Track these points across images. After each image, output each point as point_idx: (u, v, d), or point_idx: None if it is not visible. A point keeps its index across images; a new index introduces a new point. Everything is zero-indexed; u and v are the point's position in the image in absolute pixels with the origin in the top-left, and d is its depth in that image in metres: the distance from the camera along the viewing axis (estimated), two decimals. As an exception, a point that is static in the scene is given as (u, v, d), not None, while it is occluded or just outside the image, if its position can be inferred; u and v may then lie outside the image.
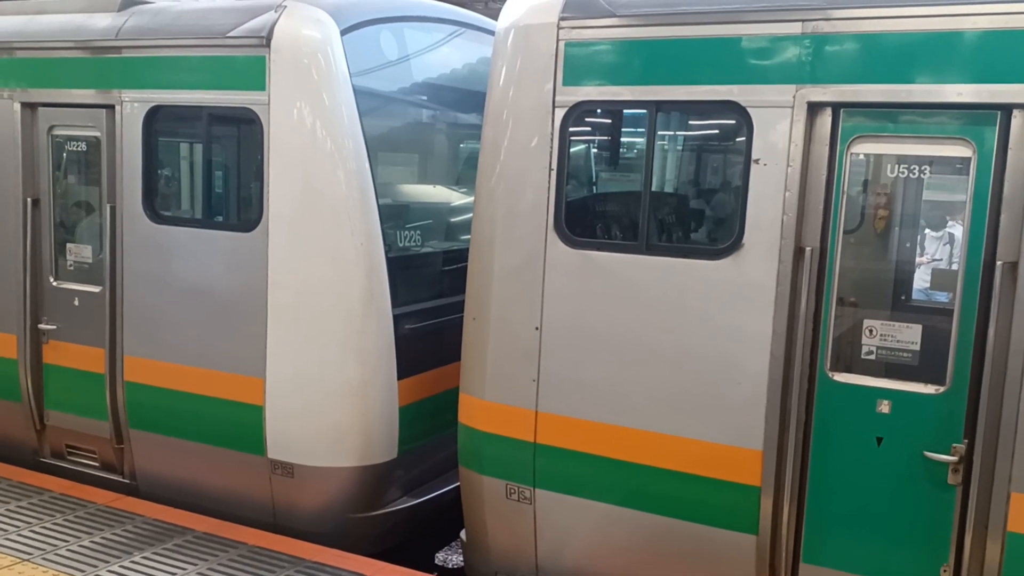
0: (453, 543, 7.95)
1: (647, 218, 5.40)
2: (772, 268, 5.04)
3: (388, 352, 6.40)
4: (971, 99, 4.61)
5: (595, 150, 6.45)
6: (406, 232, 6.99)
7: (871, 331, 5.04)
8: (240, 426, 6.67)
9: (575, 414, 5.63)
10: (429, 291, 7.03)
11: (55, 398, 7.71)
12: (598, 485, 5.63)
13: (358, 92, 6.34)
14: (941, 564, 4.90)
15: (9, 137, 7.55)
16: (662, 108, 5.44)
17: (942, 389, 4.81)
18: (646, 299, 5.40)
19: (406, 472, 6.75)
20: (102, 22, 7.17)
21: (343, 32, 6.35)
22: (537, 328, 5.68)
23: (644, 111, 5.43)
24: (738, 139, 5.26)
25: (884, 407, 4.93)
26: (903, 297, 5.97)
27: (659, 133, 5.56)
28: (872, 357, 5.03)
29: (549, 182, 5.58)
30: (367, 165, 6.30)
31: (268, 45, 6.32)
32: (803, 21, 4.92)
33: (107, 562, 6.11)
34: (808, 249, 4.96)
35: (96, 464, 7.65)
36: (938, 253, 10.68)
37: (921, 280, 6.55)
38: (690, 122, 6.11)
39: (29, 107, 7.53)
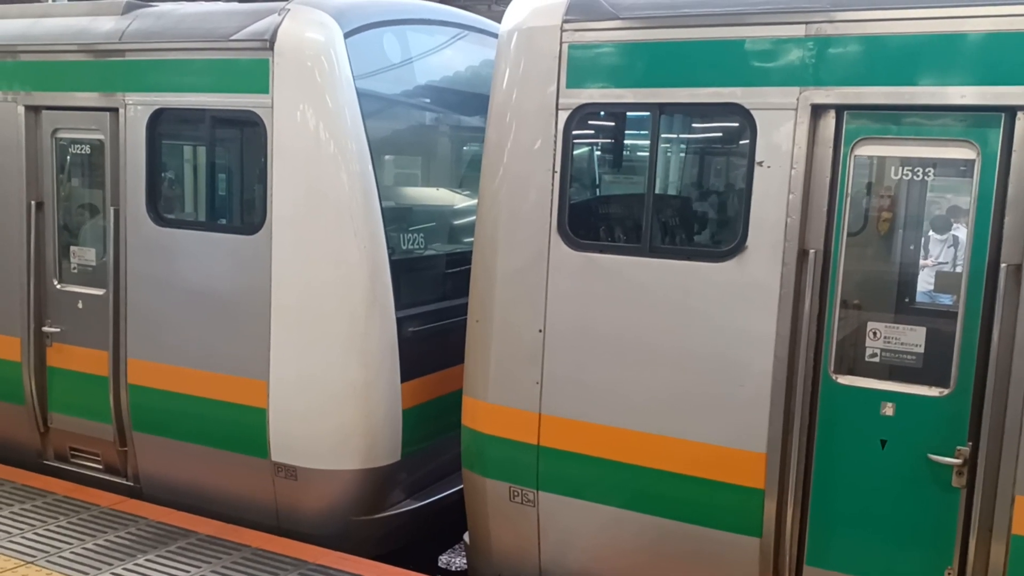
0: (456, 546, 7.95)
1: (650, 220, 5.40)
2: (776, 270, 5.04)
3: (391, 355, 6.40)
4: (975, 101, 4.61)
5: (598, 152, 6.45)
6: (409, 235, 7.00)
7: (875, 333, 5.04)
8: (243, 429, 6.67)
9: (578, 416, 5.63)
10: (432, 294, 7.03)
11: (59, 401, 7.71)
12: (601, 487, 5.63)
13: (361, 95, 6.34)
14: (945, 567, 4.89)
15: (13, 140, 7.56)
16: (665, 110, 5.44)
17: (946, 391, 4.80)
18: (649, 301, 5.40)
19: (409, 475, 6.75)
20: (106, 25, 7.18)
21: (346, 35, 6.36)
22: (540, 330, 5.68)
23: (647, 113, 5.44)
24: (741, 141, 5.26)
25: (888, 409, 4.93)
26: (907, 299, 5.95)
27: (662, 135, 5.55)
28: (876, 359, 5.03)
29: (552, 184, 5.58)
30: (370, 168, 6.31)
31: (271, 48, 6.32)
32: (806, 23, 4.92)
33: (111, 564, 6.11)
34: (812, 251, 4.96)
35: (100, 467, 7.65)
36: (942, 255, 10.67)
37: (925, 282, 6.53)
38: (693, 124, 6.11)
39: (33, 110, 7.54)
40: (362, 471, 6.45)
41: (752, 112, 5.05)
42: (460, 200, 7.92)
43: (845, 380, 5.03)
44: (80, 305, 7.46)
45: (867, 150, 4.98)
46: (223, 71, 6.60)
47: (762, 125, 5.03)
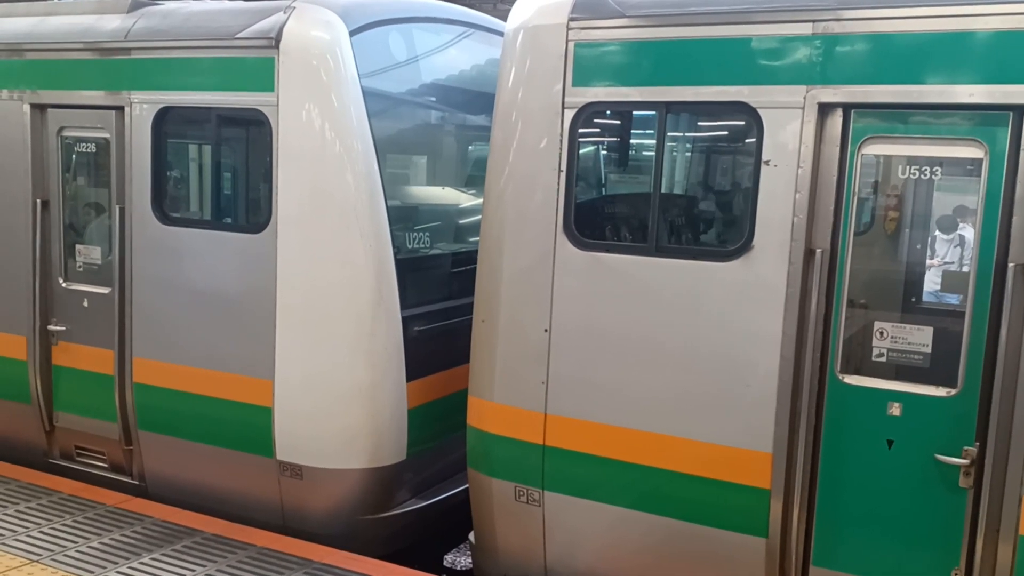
0: (462, 545, 7.94)
1: (657, 220, 5.39)
2: (782, 270, 5.02)
3: (397, 354, 6.40)
4: (983, 100, 4.59)
5: (604, 151, 6.44)
6: (415, 234, 6.99)
7: (882, 333, 5.02)
8: (249, 428, 6.67)
9: (584, 416, 5.62)
10: (438, 293, 7.02)
11: (64, 399, 7.72)
12: (607, 487, 5.62)
13: (367, 93, 6.34)
14: (952, 567, 4.87)
15: (19, 138, 7.57)
16: (671, 109, 5.42)
17: (953, 391, 4.78)
18: (655, 301, 5.38)
19: (415, 474, 6.75)
20: (111, 23, 7.18)
21: (352, 33, 6.35)
22: (546, 330, 5.67)
23: (653, 112, 5.42)
24: (748, 140, 5.24)
25: (895, 409, 4.91)
26: (914, 299, 5.94)
27: (669, 134, 5.54)
28: (883, 359, 5.01)
29: (558, 183, 5.57)
30: (376, 167, 6.30)
31: (277, 47, 6.32)
32: (814, 22, 4.90)
33: (116, 563, 6.11)
34: (818, 251, 4.94)
35: (105, 465, 7.66)
36: (949, 255, 10.66)
37: (932, 282, 6.52)
38: (700, 123, 6.10)
39: (39, 108, 7.55)
40: (368, 470, 6.45)
41: (759, 111, 5.03)
42: (466, 199, 7.91)
43: (852, 380, 5.01)
44: (86, 304, 7.47)
45: (874, 149, 4.96)
46: (228, 70, 6.59)
47: (769, 124, 5.01)
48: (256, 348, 6.56)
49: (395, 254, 6.39)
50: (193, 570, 6.04)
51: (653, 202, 5.40)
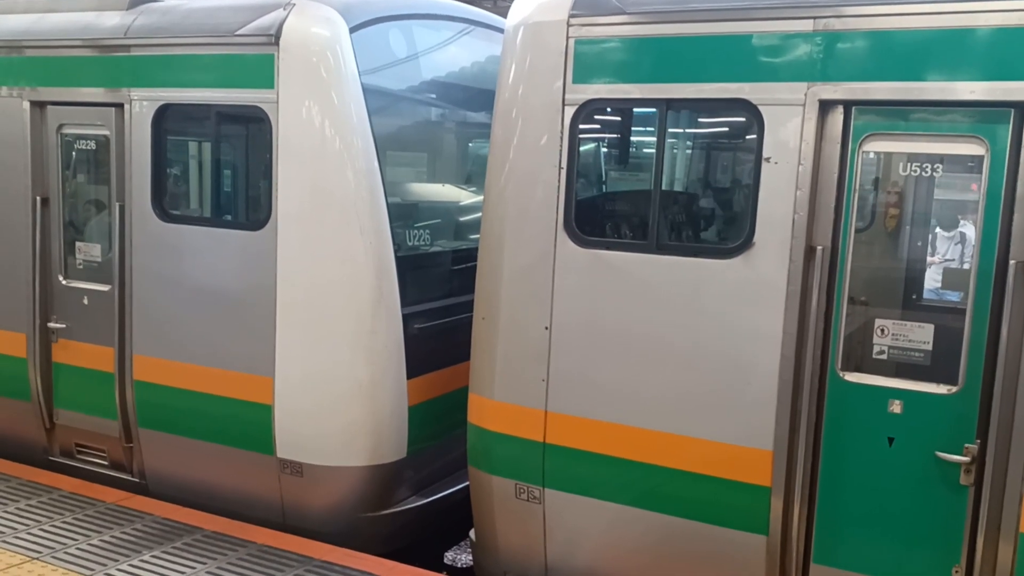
0: (462, 543, 7.94)
1: (657, 217, 5.38)
2: (783, 267, 5.01)
3: (397, 351, 6.39)
4: (984, 97, 4.58)
5: (605, 148, 6.43)
6: (415, 231, 6.98)
7: (883, 330, 5.01)
8: (249, 425, 6.67)
9: (585, 414, 5.61)
10: (438, 290, 7.02)
11: (64, 397, 7.72)
12: (608, 485, 5.61)
13: (367, 90, 6.33)
14: (953, 565, 4.87)
15: (18, 136, 7.56)
16: (672, 106, 5.41)
17: (954, 389, 4.78)
18: (656, 299, 5.38)
19: (415, 472, 6.74)
20: (111, 20, 7.17)
21: (352, 30, 6.34)
22: (547, 328, 5.67)
23: (654, 109, 5.41)
24: (749, 137, 5.23)
25: (896, 407, 4.90)
26: (915, 296, 5.93)
27: (669, 131, 5.53)
28: (884, 357, 5.00)
29: (559, 181, 5.56)
30: (376, 164, 6.29)
31: (277, 43, 6.31)
32: (814, 18, 4.90)
33: (116, 561, 6.11)
34: (819, 248, 4.94)
35: (105, 463, 7.66)
36: (950, 252, 10.65)
37: (933, 279, 6.51)
38: (700, 120, 6.09)
39: (38, 105, 7.54)
40: (368, 468, 6.44)
41: (759, 108, 5.03)
42: (466, 196, 7.90)
43: (852, 377, 5.01)
44: (86, 301, 7.46)
45: (875, 146, 4.96)
46: (228, 67, 6.58)
47: (769, 121, 5.00)
48: (256, 345, 6.56)
49: (395, 251, 6.38)
50: (193, 567, 6.04)
51: (654, 199, 5.40)
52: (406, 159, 7.71)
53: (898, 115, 4.84)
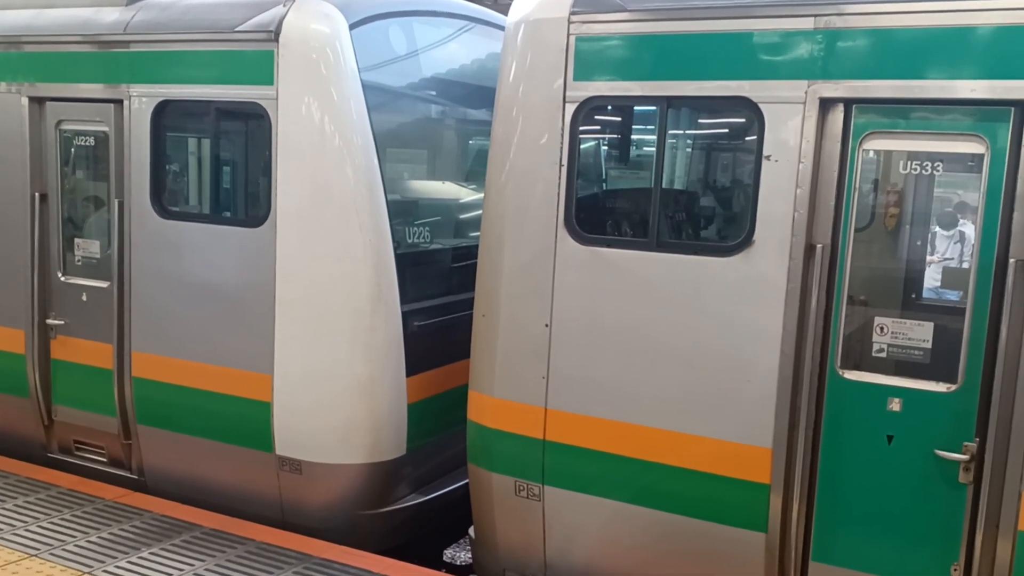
0: (462, 540, 7.95)
1: (657, 214, 5.38)
2: (783, 265, 5.02)
3: (397, 349, 6.39)
4: (984, 95, 4.58)
5: (605, 146, 6.43)
6: (415, 228, 6.98)
7: (882, 329, 5.02)
8: (248, 422, 6.67)
9: (584, 411, 5.61)
10: (438, 288, 7.01)
11: (63, 394, 7.71)
12: (607, 482, 5.62)
13: (367, 87, 6.33)
14: (951, 563, 4.88)
15: (17, 132, 7.55)
16: (673, 104, 5.41)
17: (953, 387, 4.78)
18: (656, 296, 5.38)
19: (415, 469, 6.74)
20: (110, 16, 7.16)
21: (352, 26, 6.33)
22: (547, 325, 5.67)
23: (655, 107, 5.41)
24: (749, 135, 5.23)
25: (895, 405, 4.91)
26: (914, 295, 5.94)
27: (670, 129, 5.53)
28: (883, 355, 5.01)
29: (559, 178, 5.56)
30: (376, 161, 6.29)
31: (276, 40, 6.30)
32: (815, 16, 4.90)
33: (115, 558, 6.11)
34: (819, 246, 4.94)
35: (104, 460, 7.65)
36: (949, 251, 10.66)
37: (932, 278, 6.52)
38: (701, 118, 6.09)
39: (37, 101, 7.53)
40: (367, 465, 6.44)
41: (760, 106, 5.03)
42: (466, 194, 7.90)
43: (852, 376, 5.01)
44: (84, 298, 7.46)
45: (875, 144, 4.96)
46: (228, 63, 6.58)
47: (770, 119, 5.00)
48: (255, 343, 6.55)
49: (395, 248, 6.38)
50: (192, 564, 6.04)
51: (654, 197, 5.40)
52: (406, 156, 7.70)
53: (898, 113, 4.85)
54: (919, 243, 6.23)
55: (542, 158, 5.60)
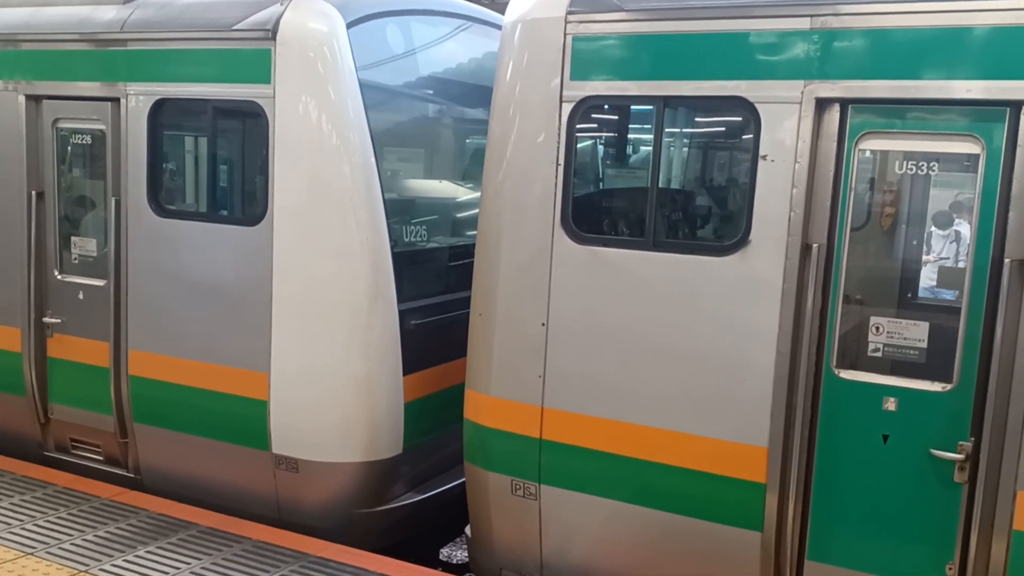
0: (458, 539, 7.95)
1: (654, 214, 5.39)
2: (779, 265, 5.03)
3: (393, 347, 6.40)
4: (980, 95, 4.59)
5: (602, 145, 6.44)
6: (412, 227, 6.99)
7: (878, 328, 5.03)
8: (244, 421, 6.67)
9: (581, 410, 5.62)
10: (435, 286, 7.02)
11: (59, 392, 7.71)
12: (603, 481, 5.62)
13: (364, 86, 6.33)
14: (947, 562, 4.89)
15: (14, 129, 7.54)
16: (669, 103, 5.42)
17: (949, 387, 4.80)
18: (652, 296, 5.39)
19: (411, 468, 6.75)
20: (107, 15, 7.16)
21: (349, 25, 6.34)
22: (543, 324, 5.67)
23: (651, 106, 5.42)
24: (745, 135, 5.24)
25: (890, 404, 4.92)
26: (910, 294, 5.95)
27: (666, 129, 5.54)
28: (879, 354, 5.02)
29: (556, 177, 5.57)
30: (373, 159, 6.29)
31: (274, 38, 6.30)
32: (812, 16, 4.91)
33: (111, 556, 6.11)
34: (815, 246, 4.95)
35: (100, 458, 7.65)
36: (945, 251, 10.67)
37: (928, 278, 6.53)
38: (697, 118, 6.09)
39: (34, 99, 7.52)
40: (364, 464, 6.45)
41: (756, 106, 5.04)
42: (463, 193, 7.90)
43: (847, 375, 5.02)
44: (81, 296, 7.45)
45: (871, 144, 4.97)
46: (225, 61, 6.58)
47: (766, 119, 5.01)
48: (252, 341, 6.55)
49: (392, 247, 6.38)
50: (188, 563, 6.04)
51: (650, 196, 5.40)
52: (403, 155, 7.70)
53: (894, 113, 4.86)
54: (915, 243, 6.24)
55: (539, 157, 5.60)
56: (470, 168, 7.91)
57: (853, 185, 4.93)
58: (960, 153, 4.88)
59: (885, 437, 4.95)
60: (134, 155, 6.97)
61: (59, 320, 7.57)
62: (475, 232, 6.12)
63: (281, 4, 6.38)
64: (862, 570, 5.09)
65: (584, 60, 5.47)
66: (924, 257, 7.16)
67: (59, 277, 7.58)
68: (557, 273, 5.62)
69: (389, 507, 6.64)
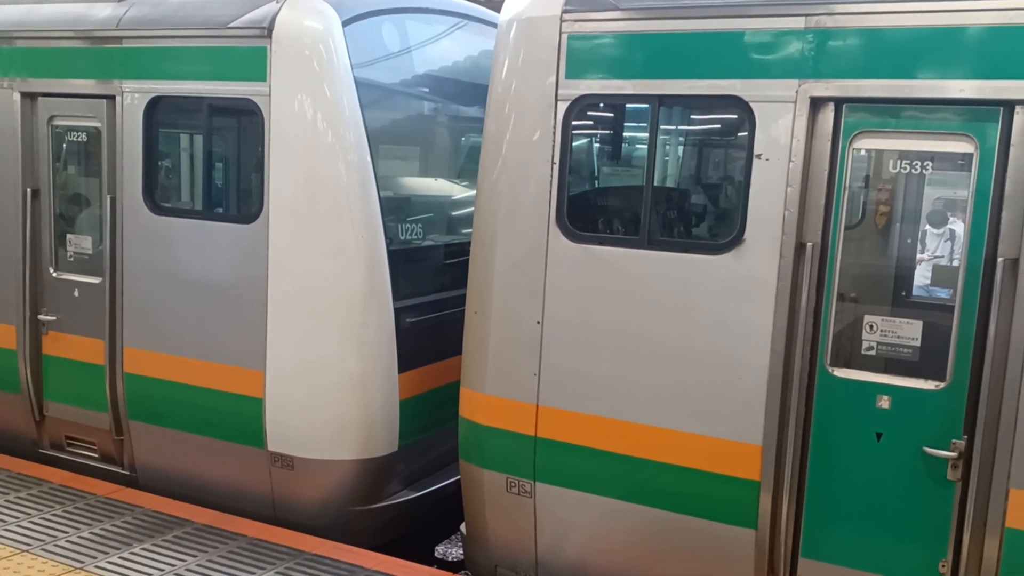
0: (453, 536, 7.95)
1: (649, 212, 5.40)
2: (773, 263, 5.04)
3: (389, 345, 6.40)
4: (973, 95, 4.60)
5: (597, 144, 6.44)
6: (407, 225, 6.99)
7: (871, 327, 5.04)
8: (240, 418, 6.67)
9: (576, 408, 5.63)
10: (430, 284, 7.02)
11: (55, 389, 7.70)
12: (598, 479, 5.64)
13: (359, 84, 6.33)
14: (939, 560, 4.91)
15: (9, 127, 7.53)
16: (664, 102, 5.43)
17: (942, 385, 4.81)
18: (647, 294, 5.40)
19: (406, 465, 6.76)
20: (103, 12, 7.15)
21: (345, 23, 6.34)
22: (538, 322, 5.68)
23: (647, 105, 5.43)
24: (740, 134, 5.25)
25: (884, 403, 4.93)
26: (904, 293, 5.97)
27: (661, 127, 5.55)
28: (872, 353, 5.03)
29: (551, 176, 5.57)
30: (368, 157, 6.30)
31: (269, 36, 6.30)
32: (806, 15, 4.91)
33: (106, 553, 6.11)
34: (809, 245, 4.96)
35: (95, 456, 7.65)
36: (939, 249, 10.70)
37: (922, 276, 6.55)
38: (692, 116, 6.11)
39: (29, 97, 7.51)
40: (359, 461, 6.45)
41: (751, 104, 5.04)
42: (458, 191, 7.91)
43: (841, 373, 5.04)
44: (76, 293, 7.45)
45: (865, 143, 4.98)
46: (221, 59, 6.57)
47: (761, 118, 5.02)
48: (247, 338, 6.56)
49: (387, 245, 6.39)
50: (183, 560, 6.05)
51: (645, 195, 5.41)
52: (398, 153, 7.70)
53: (889, 113, 4.87)
54: (909, 241, 6.26)
55: (534, 155, 5.61)
56: (465, 166, 7.91)
57: (847, 184, 4.94)
58: (954, 152, 4.89)
59: (879, 435, 4.96)
60: (129, 152, 6.97)
61: (54, 317, 7.56)
62: (470, 230, 6.12)
63: (277, 2, 6.38)
64: (856, 567, 5.10)
65: (579, 59, 5.48)
66: (918, 256, 7.18)
67: (54, 274, 7.57)
68: (552, 271, 5.62)
69: (384, 504, 6.65)
